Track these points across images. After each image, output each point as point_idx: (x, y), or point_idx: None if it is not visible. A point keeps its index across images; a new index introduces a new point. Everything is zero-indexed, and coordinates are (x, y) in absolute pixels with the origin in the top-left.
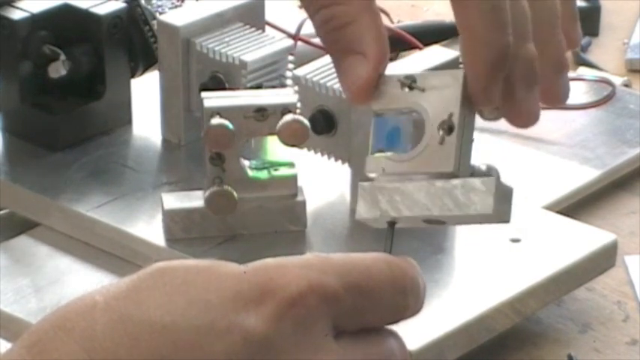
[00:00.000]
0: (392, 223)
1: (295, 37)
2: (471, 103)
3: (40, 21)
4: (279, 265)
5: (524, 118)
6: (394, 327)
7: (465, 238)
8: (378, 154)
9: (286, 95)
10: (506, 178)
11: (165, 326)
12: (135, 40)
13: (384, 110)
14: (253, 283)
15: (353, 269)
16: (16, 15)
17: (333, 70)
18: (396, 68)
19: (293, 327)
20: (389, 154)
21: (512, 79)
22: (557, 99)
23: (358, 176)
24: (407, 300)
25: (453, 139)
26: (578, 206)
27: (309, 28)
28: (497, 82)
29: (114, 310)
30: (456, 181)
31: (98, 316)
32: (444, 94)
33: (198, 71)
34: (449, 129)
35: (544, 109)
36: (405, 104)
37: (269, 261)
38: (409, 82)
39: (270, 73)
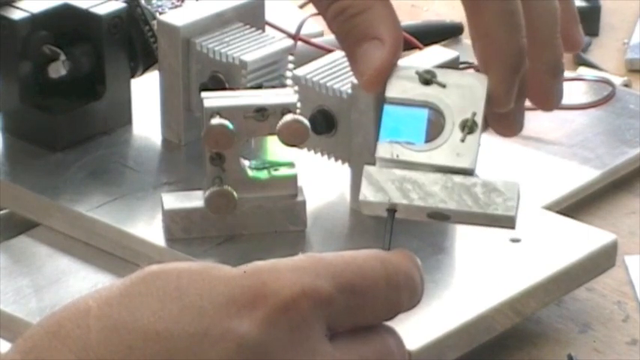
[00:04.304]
0: (392, 211)
1: (295, 37)
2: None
3: (40, 21)
4: (272, 269)
5: (553, 102)
6: (394, 325)
7: (465, 238)
8: (392, 141)
9: (286, 95)
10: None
11: (159, 334)
12: (135, 40)
13: (397, 99)
14: (246, 288)
15: (346, 269)
16: (16, 15)
17: (333, 70)
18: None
19: (287, 332)
20: (402, 141)
21: (541, 69)
22: (551, 104)
23: (358, 176)
24: (401, 296)
25: (474, 137)
26: (578, 206)
27: (309, 28)
28: (516, 84)
29: (107, 317)
30: (475, 179)
31: (92, 324)
32: (465, 94)
33: (198, 71)
34: (471, 128)
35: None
36: (423, 97)
37: (261, 264)
38: (429, 77)
39: (270, 73)
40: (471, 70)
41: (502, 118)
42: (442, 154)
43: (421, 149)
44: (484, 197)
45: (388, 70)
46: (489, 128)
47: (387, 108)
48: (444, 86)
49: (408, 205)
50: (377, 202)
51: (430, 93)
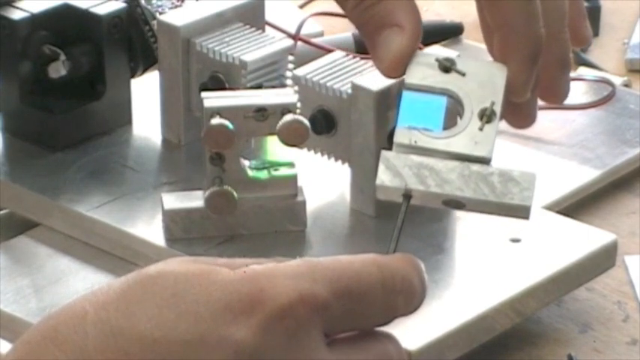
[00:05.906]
0: (408, 197)
1: (295, 37)
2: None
3: (40, 21)
4: (269, 275)
5: (561, 96)
6: (393, 328)
7: (465, 239)
8: (410, 127)
9: (286, 95)
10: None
11: (155, 340)
12: (135, 40)
13: (417, 86)
14: (243, 294)
15: (343, 274)
16: (16, 15)
17: (333, 70)
18: None
19: (284, 338)
20: (420, 128)
21: (550, 62)
22: (558, 97)
23: (358, 176)
24: (397, 300)
25: (492, 126)
26: (578, 206)
27: (309, 28)
28: (534, 74)
29: (104, 322)
30: (492, 169)
31: (89, 329)
32: (484, 83)
33: (198, 71)
34: (490, 117)
35: (542, 108)
36: (442, 85)
37: (259, 270)
38: (449, 64)
39: (270, 73)
40: None
41: (517, 108)
42: (460, 142)
43: (439, 136)
44: (501, 186)
45: (408, 56)
46: (502, 120)
47: (405, 94)
48: (463, 74)
49: (425, 192)
50: (393, 187)
51: (449, 81)
